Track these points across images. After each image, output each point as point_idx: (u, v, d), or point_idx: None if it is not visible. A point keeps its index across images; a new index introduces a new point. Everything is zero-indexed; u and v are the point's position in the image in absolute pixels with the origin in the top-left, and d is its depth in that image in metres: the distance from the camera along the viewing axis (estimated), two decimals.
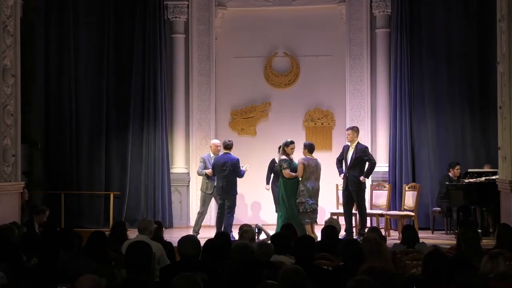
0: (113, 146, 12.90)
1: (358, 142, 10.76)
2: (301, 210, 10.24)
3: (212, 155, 11.16)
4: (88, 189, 12.71)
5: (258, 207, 13.08)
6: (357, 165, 10.60)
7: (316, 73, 13.26)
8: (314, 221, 10.41)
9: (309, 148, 10.55)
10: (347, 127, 11.17)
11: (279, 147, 10.98)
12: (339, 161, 10.98)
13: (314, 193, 10.36)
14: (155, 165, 12.68)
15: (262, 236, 10.17)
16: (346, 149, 10.82)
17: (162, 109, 12.74)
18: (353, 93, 12.82)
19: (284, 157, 10.37)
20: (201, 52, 13.14)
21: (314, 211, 10.36)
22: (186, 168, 13.06)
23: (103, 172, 12.75)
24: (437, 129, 12.42)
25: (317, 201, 10.41)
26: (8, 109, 9.65)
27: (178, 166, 13.07)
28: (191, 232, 10.46)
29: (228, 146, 10.88)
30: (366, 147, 10.98)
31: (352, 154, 10.61)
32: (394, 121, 12.43)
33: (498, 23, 10.06)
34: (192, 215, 12.85)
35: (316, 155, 12.79)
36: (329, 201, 12.53)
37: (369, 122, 12.75)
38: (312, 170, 10.35)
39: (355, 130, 10.86)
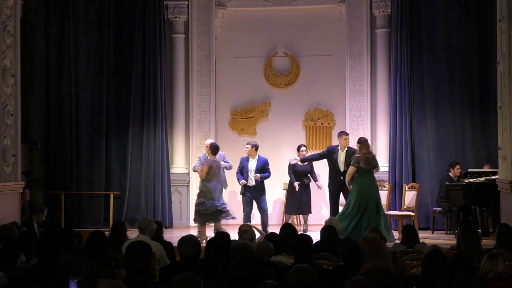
0: (113, 146, 12.89)
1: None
2: (201, 212, 10.49)
3: (207, 155, 11.23)
4: (88, 189, 12.71)
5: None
6: None
7: (316, 73, 13.26)
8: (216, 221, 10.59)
9: (213, 150, 10.79)
10: (344, 132, 11.34)
11: (299, 148, 11.49)
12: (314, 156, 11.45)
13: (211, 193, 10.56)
14: (155, 165, 12.68)
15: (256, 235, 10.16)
16: (335, 151, 10.99)
17: (162, 109, 12.74)
18: (353, 93, 12.82)
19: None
20: (201, 52, 13.14)
21: (217, 212, 10.53)
22: (186, 168, 13.05)
23: (103, 172, 12.74)
24: (437, 129, 12.42)
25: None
26: (8, 109, 9.64)
27: (178, 166, 13.06)
28: (192, 232, 10.46)
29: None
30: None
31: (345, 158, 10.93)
32: (394, 121, 12.43)
33: (498, 23, 10.05)
34: (192, 215, 12.82)
35: None
36: (329, 201, 12.53)
37: (369, 122, 12.75)
38: (215, 172, 10.59)
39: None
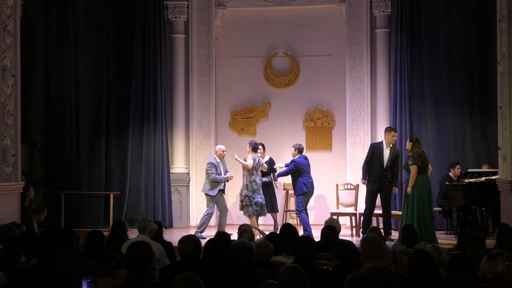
0: (113, 146, 12.89)
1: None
2: (244, 204, 10.90)
3: (218, 160, 11.21)
4: (88, 189, 12.70)
5: None
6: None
7: (316, 73, 13.26)
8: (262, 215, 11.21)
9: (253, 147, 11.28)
10: (393, 128, 11.29)
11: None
12: (367, 163, 11.03)
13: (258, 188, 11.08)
14: (155, 165, 12.67)
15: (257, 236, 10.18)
16: (380, 148, 10.85)
17: (162, 109, 12.74)
18: (353, 93, 12.82)
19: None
20: (201, 52, 13.14)
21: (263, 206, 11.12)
22: (186, 168, 13.05)
23: (103, 172, 12.74)
24: (437, 129, 12.42)
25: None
26: (8, 109, 9.64)
27: (178, 166, 13.06)
28: (192, 232, 10.46)
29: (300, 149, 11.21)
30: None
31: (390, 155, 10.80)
32: (394, 121, 12.43)
33: (498, 23, 10.05)
34: (192, 215, 12.85)
35: (316, 155, 12.87)
36: (329, 201, 12.53)
37: (369, 122, 12.74)
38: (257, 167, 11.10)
39: None
